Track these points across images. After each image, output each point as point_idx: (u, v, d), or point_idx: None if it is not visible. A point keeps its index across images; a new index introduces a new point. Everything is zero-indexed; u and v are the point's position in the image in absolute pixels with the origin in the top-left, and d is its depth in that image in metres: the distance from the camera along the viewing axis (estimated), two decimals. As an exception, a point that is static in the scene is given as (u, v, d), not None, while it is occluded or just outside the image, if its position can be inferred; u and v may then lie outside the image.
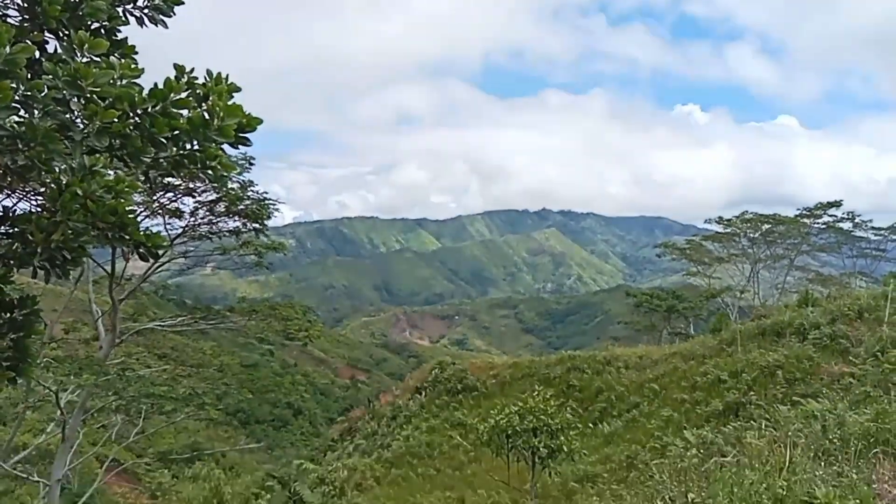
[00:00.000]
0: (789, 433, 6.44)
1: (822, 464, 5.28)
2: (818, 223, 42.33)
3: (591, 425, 27.04)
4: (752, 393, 21.58)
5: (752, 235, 42.89)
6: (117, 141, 2.90)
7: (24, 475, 13.73)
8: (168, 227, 15.03)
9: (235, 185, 14.43)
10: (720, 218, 44.05)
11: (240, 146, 3.39)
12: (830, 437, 6.09)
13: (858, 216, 41.59)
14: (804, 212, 41.62)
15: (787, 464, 4.74)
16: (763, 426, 8.07)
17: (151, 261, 4.80)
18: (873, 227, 42.55)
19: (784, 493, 4.12)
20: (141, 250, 3.74)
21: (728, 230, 43.79)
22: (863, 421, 6.42)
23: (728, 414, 21.36)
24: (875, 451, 5.67)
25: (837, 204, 40.78)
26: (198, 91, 3.08)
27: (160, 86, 2.89)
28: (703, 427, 20.28)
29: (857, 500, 4.04)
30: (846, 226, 42.26)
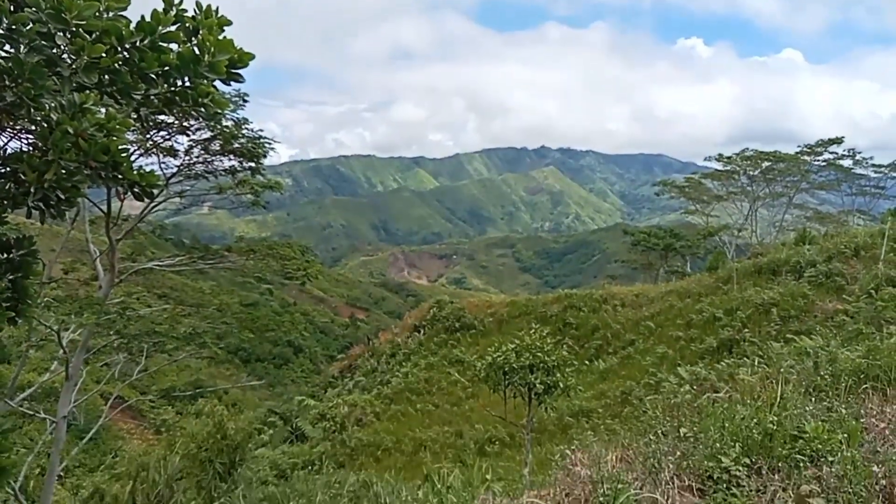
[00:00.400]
0: (781, 370, 6.56)
1: (813, 399, 5.38)
2: (818, 160, 42.01)
3: (586, 362, 27.54)
4: (746, 330, 21.91)
5: (751, 173, 42.61)
6: (106, 77, 2.82)
7: (31, 412, 13.99)
8: (163, 166, 14.87)
9: (230, 123, 14.19)
10: (720, 155, 43.68)
11: (232, 82, 3.31)
12: (822, 373, 6.20)
13: (859, 153, 41.32)
14: (805, 149, 41.27)
15: (777, 399, 4.84)
16: (756, 363, 8.22)
17: (147, 200, 4.76)
18: (873, 165, 42.31)
19: (774, 427, 4.21)
20: (135, 189, 3.70)
21: (728, 168, 43.46)
22: (854, 357, 6.53)
23: (722, 351, 21.74)
24: (865, 386, 5.78)
25: (839, 141, 40.39)
26: (187, 25, 2.98)
27: (148, 19, 2.79)
28: (697, 364, 20.68)
29: (845, 434, 4.14)
30: (846, 163, 42.00)
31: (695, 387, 10.33)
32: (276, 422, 34.90)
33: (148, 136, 13.58)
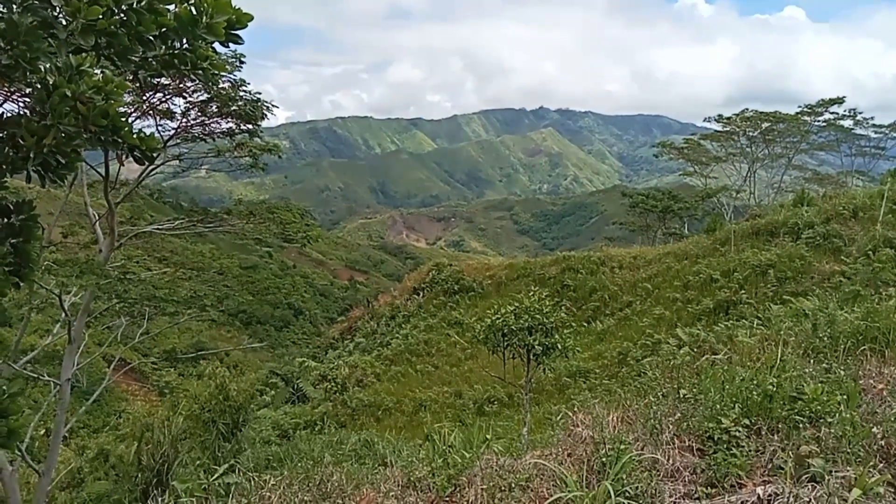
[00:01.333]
0: (780, 331, 6.61)
1: (812, 361, 5.43)
2: (819, 121, 41.68)
3: (584, 323, 27.75)
4: (743, 292, 22.03)
5: (751, 134, 42.28)
6: (103, 39, 2.76)
7: (35, 375, 14.10)
8: (160, 128, 14.72)
9: (227, 85, 14.01)
10: (719, 116, 43.28)
11: (230, 44, 3.25)
12: (820, 335, 6.25)
13: (860, 114, 40.97)
14: (805, 109, 40.91)
15: (777, 361, 4.88)
16: (754, 325, 8.27)
17: (147, 164, 4.72)
18: (874, 125, 41.99)
19: (773, 389, 4.25)
20: (135, 153, 3.67)
21: (727, 129, 43.13)
22: (852, 319, 6.58)
23: (719, 312, 21.90)
24: (863, 348, 5.83)
25: (840, 101, 40.01)
26: (184, -17, 2.91)
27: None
28: (694, 325, 20.84)
29: (844, 395, 4.18)
30: (847, 123, 41.67)
31: (693, 348, 10.42)
32: (278, 383, 35.32)
33: (144, 98, 13.41)
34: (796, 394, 4.22)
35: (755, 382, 4.36)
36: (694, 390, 4.62)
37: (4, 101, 3.17)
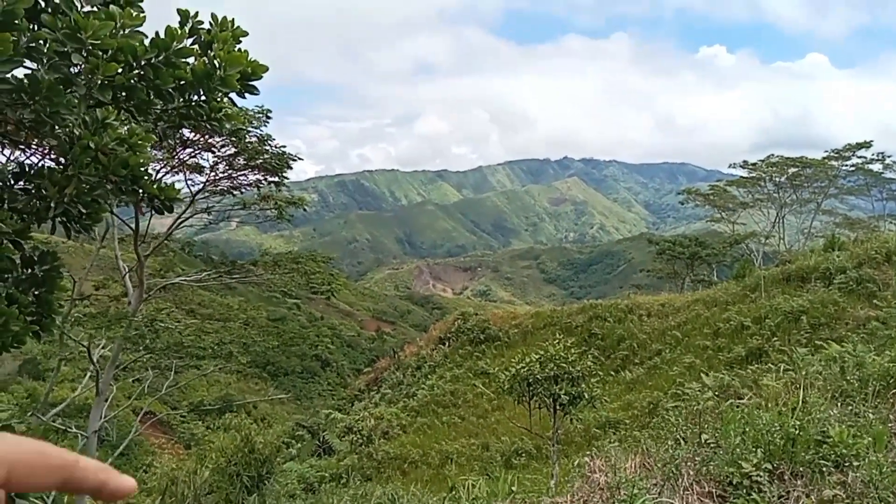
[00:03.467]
0: (807, 375, 6.44)
1: (839, 404, 5.28)
2: (847, 165, 41.31)
3: (613, 373, 27.26)
4: (775, 339, 21.51)
5: (777, 180, 42.00)
6: (122, 94, 2.89)
7: (63, 427, 14.22)
8: (189, 182, 15.14)
9: (254, 139, 14.42)
10: (745, 162, 43.19)
11: (248, 94, 3.36)
12: (848, 378, 6.08)
13: (889, 157, 40.51)
14: (832, 154, 40.60)
15: (800, 404, 4.75)
16: (782, 369, 8.08)
17: (172, 215, 4.85)
18: (904, 169, 41.48)
19: (797, 432, 4.14)
20: (156, 203, 3.78)
21: (753, 175, 42.91)
22: (883, 362, 6.40)
23: (750, 360, 21.36)
24: (894, 391, 5.66)
25: (867, 145, 39.68)
26: (202, 38, 3.04)
27: (162, 34, 2.86)
28: (723, 373, 20.35)
29: (871, 438, 4.05)
30: (876, 167, 41.22)
31: (718, 393, 10.16)
32: (304, 435, 35.08)
33: (174, 153, 13.84)
34: (821, 437, 4.10)
35: (778, 425, 4.24)
36: (715, 434, 4.51)
37: (30, 155, 3.32)
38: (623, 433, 20.73)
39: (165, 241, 16.83)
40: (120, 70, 2.76)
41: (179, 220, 15.66)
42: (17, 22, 2.31)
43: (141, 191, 3.56)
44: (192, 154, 14.34)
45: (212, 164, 14.86)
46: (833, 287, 22.63)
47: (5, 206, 3.09)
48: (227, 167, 15.02)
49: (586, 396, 12.84)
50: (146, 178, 3.47)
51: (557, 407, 12.92)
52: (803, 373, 6.65)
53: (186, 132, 11.32)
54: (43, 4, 3.10)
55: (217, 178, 15.12)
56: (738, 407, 5.48)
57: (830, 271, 23.88)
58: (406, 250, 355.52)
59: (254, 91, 3.39)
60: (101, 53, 2.66)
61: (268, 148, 14.55)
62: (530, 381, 12.79)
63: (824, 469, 3.87)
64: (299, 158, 15.42)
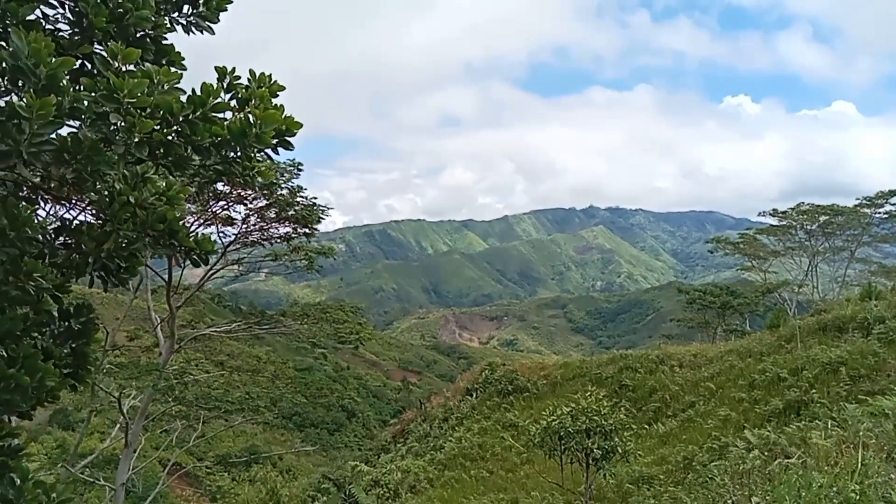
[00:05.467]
0: (858, 433, 6.15)
1: (896, 465, 5.01)
2: (879, 212, 40.68)
3: (645, 426, 26.51)
4: (813, 391, 20.80)
5: (809, 227, 41.45)
6: (160, 150, 2.92)
7: (91, 479, 14.18)
8: (221, 234, 15.36)
9: (285, 192, 14.66)
10: (775, 210, 42.77)
11: (282, 150, 3.39)
12: (903, 436, 5.79)
13: (923, 203, 39.85)
14: (864, 201, 40.05)
15: (858, 466, 4.52)
16: (829, 426, 7.75)
17: (205, 266, 4.86)
18: (939, 215, 40.71)
19: (857, 497, 3.92)
20: (192, 256, 3.78)
21: (783, 223, 42.43)
22: (938, 419, 6.10)
23: (789, 413, 20.65)
24: (952, 450, 5.37)
25: (900, 192, 39.16)
26: (239, 94, 3.08)
27: (199, 91, 2.90)
28: (762, 427, 19.66)
29: (936, 504, 3.82)
30: (910, 214, 40.54)
31: (764, 452, 9.78)
32: (330, 488, 34.48)
33: (207, 206, 14.08)
34: (884, 502, 3.87)
35: (835, 489, 4.02)
36: (767, 497, 4.28)
37: (69, 209, 3.36)
38: (658, 489, 20.04)
39: (196, 293, 17.00)
40: (157, 126, 2.79)
41: (211, 272, 15.85)
42: (60, 84, 2.35)
43: (177, 244, 3.56)
44: (225, 207, 14.59)
45: (244, 216, 15.10)
46: (872, 337, 21.96)
47: (46, 260, 3.10)
48: (258, 219, 15.24)
49: (619, 450, 12.47)
50: (183, 231, 3.48)
51: (590, 461, 12.56)
52: (854, 430, 6.36)
53: (220, 185, 11.53)
54: (89, 66, 3.19)
55: (248, 230, 15.33)
56: (788, 468, 5.23)
57: (868, 321, 23.22)
58: (432, 299, 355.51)
59: (288, 147, 3.42)
60: (137, 111, 2.70)
61: (299, 200, 14.76)
62: (562, 434, 12.47)
63: (888, 537, 3.64)
64: (330, 208, 15.62)
